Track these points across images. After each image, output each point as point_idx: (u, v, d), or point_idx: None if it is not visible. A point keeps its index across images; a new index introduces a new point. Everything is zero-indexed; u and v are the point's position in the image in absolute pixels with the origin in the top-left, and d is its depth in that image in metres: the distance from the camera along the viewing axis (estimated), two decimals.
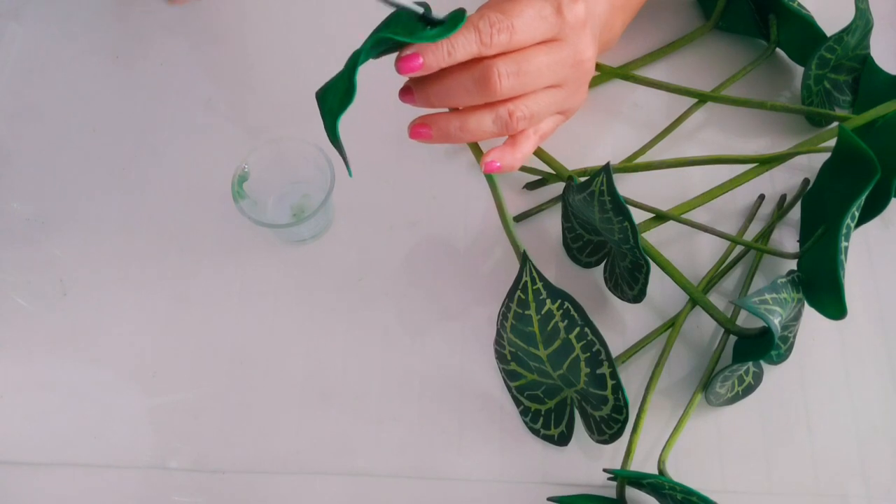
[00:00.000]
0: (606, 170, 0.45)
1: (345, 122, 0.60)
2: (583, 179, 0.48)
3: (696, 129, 0.60)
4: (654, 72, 0.62)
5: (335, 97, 0.39)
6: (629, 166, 0.56)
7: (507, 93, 0.41)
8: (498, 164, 0.43)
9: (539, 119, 0.43)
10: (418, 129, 0.42)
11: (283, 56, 0.63)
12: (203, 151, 0.59)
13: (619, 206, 0.45)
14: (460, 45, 0.38)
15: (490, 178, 0.45)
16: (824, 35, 0.56)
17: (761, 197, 0.57)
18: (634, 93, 0.61)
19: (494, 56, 0.40)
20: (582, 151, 0.56)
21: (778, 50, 0.62)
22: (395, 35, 0.38)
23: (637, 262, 0.47)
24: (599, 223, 0.48)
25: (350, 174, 0.40)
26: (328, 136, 0.40)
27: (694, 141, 0.60)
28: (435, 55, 0.38)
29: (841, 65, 0.58)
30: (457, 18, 0.39)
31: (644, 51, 0.62)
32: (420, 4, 0.39)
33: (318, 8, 0.65)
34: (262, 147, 0.53)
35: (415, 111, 0.44)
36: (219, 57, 0.63)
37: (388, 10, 0.39)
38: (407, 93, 0.43)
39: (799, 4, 0.57)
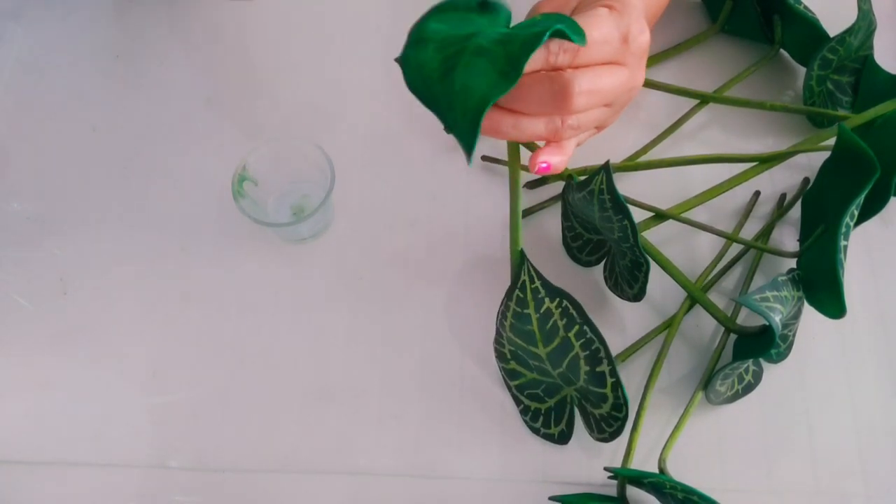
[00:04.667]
0: (606, 168, 0.45)
1: (344, 121, 0.60)
2: (582, 178, 0.48)
3: (698, 130, 0.60)
4: (660, 72, 0.62)
5: (481, 78, 0.35)
6: (629, 165, 0.56)
7: (578, 109, 0.41)
8: (545, 164, 0.44)
9: (583, 130, 0.44)
10: None
11: (284, 56, 0.63)
12: (203, 151, 0.59)
13: (619, 205, 0.45)
14: (534, 64, 0.39)
15: (515, 181, 0.45)
16: (828, 36, 0.56)
17: (757, 193, 0.57)
18: (638, 94, 0.61)
19: (571, 70, 0.40)
20: (583, 151, 0.55)
21: (782, 52, 0.62)
22: (570, 32, 0.36)
23: (637, 260, 0.47)
24: (599, 222, 0.48)
25: (470, 163, 0.36)
26: (451, 117, 0.35)
27: (696, 141, 0.60)
28: None
29: (844, 66, 0.58)
30: (578, 28, 0.38)
31: (651, 52, 0.62)
32: None
33: (319, 8, 0.65)
34: (262, 147, 0.53)
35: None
36: (219, 57, 0.63)
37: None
38: None
39: (804, 7, 0.58)
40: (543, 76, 0.40)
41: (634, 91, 0.45)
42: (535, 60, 0.39)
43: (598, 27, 0.40)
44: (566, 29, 0.36)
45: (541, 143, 0.45)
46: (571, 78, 0.40)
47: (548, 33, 0.35)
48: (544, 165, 0.44)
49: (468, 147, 0.35)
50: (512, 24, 0.39)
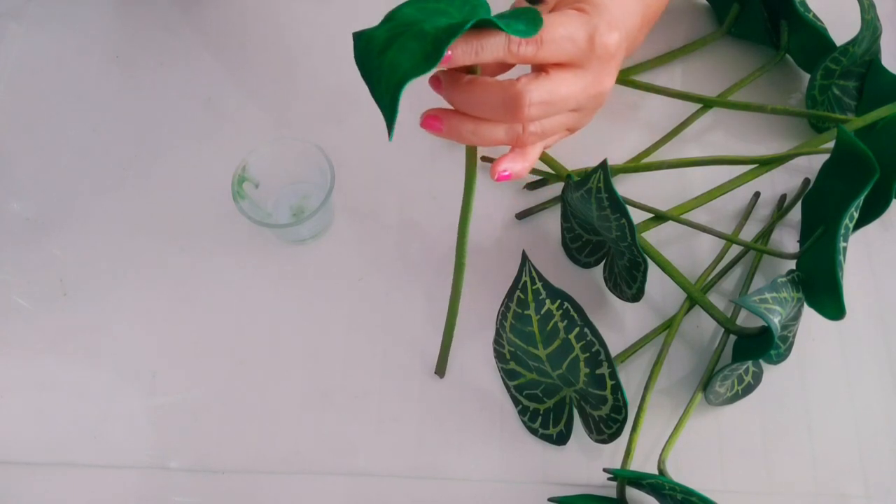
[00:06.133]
0: (603, 166, 0.45)
1: (344, 121, 0.60)
2: (580, 177, 0.48)
3: (701, 133, 0.60)
4: (666, 74, 0.62)
5: (408, 57, 0.36)
6: (630, 166, 0.56)
7: (532, 119, 0.41)
8: (507, 172, 0.43)
9: (548, 136, 0.44)
10: (431, 121, 0.42)
11: (283, 56, 0.63)
12: (203, 151, 0.59)
13: (617, 203, 0.45)
14: (488, 48, 0.38)
15: (470, 183, 0.44)
16: (834, 45, 0.56)
17: (757, 195, 0.57)
18: (638, 96, 0.61)
19: (525, 79, 0.40)
20: (584, 154, 0.56)
21: (787, 57, 0.62)
22: (498, 21, 0.37)
23: (635, 259, 0.47)
24: (597, 221, 0.48)
25: (391, 138, 0.38)
26: (378, 91, 0.37)
27: (697, 144, 0.60)
28: (464, 51, 0.38)
29: (850, 71, 0.58)
30: (537, 20, 0.38)
31: (657, 54, 0.62)
32: None
33: (318, 8, 0.65)
34: (262, 147, 0.53)
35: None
36: (219, 57, 0.63)
37: None
38: (436, 82, 0.43)
39: (814, 15, 0.57)
40: (496, 84, 0.40)
41: (602, 96, 0.45)
42: (496, 49, 0.38)
43: (564, 25, 0.40)
44: (500, 22, 0.36)
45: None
46: (523, 89, 0.39)
47: (470, 23, 0.35)
48: (506, 173, 0.43)
49: (388, 122, 0.37)
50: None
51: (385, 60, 0.37)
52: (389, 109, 0.37)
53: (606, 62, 0.43)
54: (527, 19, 0.38)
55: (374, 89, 0.37)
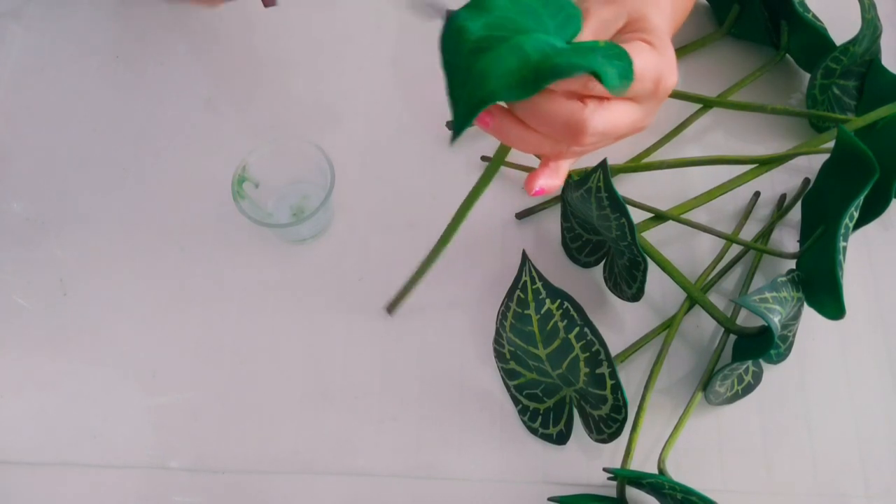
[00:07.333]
0: (603, 166, 0.45)
1: (344, 121, 0.60)
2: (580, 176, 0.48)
3: (701, 133, 0.60)
4: None
5: (502, 74, 0.34)
6: (629, 166, 0.56)
7: (586, 145, 0.41)
8: (540, 188, 0.44)
9: (586, 154, 0.44)
10: (482, 115, 0.42)
11: (283, 56, 0.63)
12: (203, 151, 0.59)
13: (616, 203, 0.45)
14: (565, 81, 0.37)
15: (489, 173, 0.44)
16: (834, 45, 0.56)
17: (757, 194, 0.57)
18: None
19: (592, 106, 0.39)
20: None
21: (787, 57, 0.62)
22: (602, 75, 0.35)
23: (635, 259, 0.47)
24: (597, 220, 0.48)
25: (452, 143, 0.35)
26: (458, 93, 0.35)
27: (697, 144, 0.60)
28: None
29: (850, 70, 0.58)
30: (629, 73, 0.37)
31: None
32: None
33: (319, 7, 0.65)
34: (262, 147, 0.53)
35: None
36: (219, 57, 0.63)
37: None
38: None
39: (813, 15, 0.57)
40: (564, 105, 0.39)
41: (643, 130, 0.45)
42: (572, 82, 0.38)
43: (640, 64, 0.39)
44: (605, 74, 0.35)
45: None
46: (589, 117, 0.39)
47: (581, 71, 0.34)
48: (541, 190, 0.44)
49: (458, 129, 0.35)
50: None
51: (476, 65, 0.34)
52: (464, 119, 0.34)
53: (660, 101, 0.43)
54: (620, 70, 0.36)
55: (453, 89, 0.35)
